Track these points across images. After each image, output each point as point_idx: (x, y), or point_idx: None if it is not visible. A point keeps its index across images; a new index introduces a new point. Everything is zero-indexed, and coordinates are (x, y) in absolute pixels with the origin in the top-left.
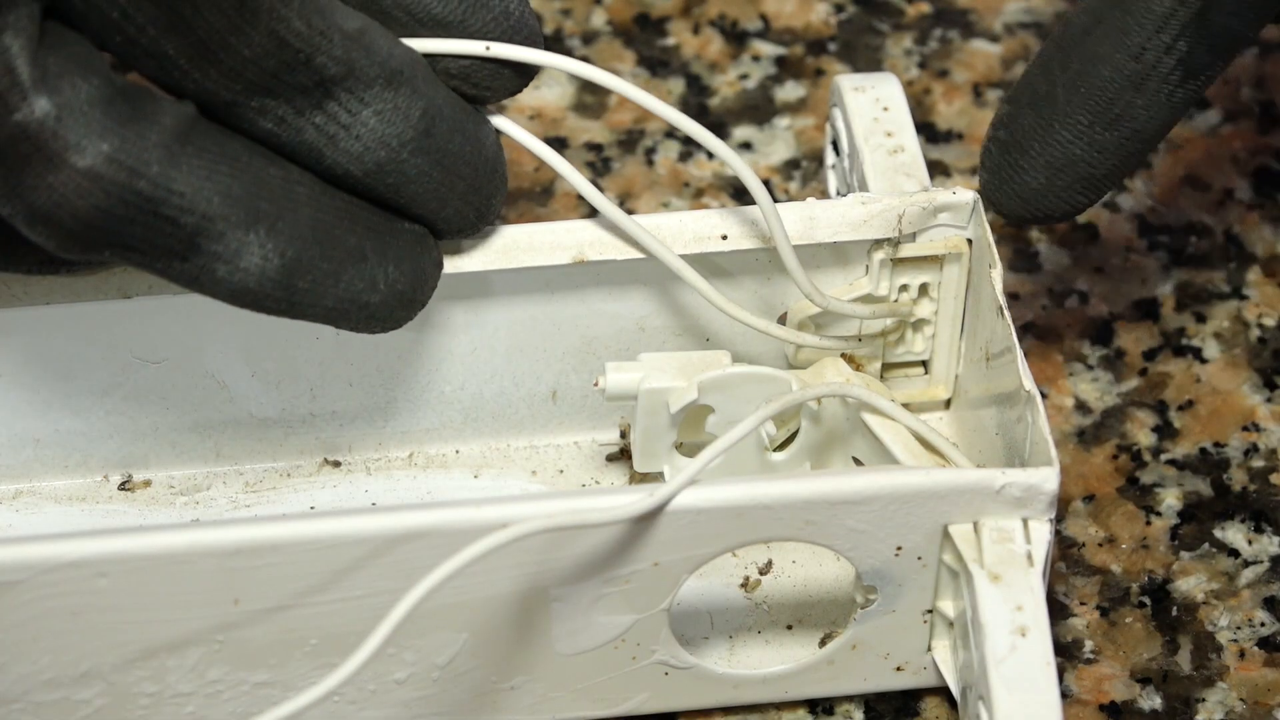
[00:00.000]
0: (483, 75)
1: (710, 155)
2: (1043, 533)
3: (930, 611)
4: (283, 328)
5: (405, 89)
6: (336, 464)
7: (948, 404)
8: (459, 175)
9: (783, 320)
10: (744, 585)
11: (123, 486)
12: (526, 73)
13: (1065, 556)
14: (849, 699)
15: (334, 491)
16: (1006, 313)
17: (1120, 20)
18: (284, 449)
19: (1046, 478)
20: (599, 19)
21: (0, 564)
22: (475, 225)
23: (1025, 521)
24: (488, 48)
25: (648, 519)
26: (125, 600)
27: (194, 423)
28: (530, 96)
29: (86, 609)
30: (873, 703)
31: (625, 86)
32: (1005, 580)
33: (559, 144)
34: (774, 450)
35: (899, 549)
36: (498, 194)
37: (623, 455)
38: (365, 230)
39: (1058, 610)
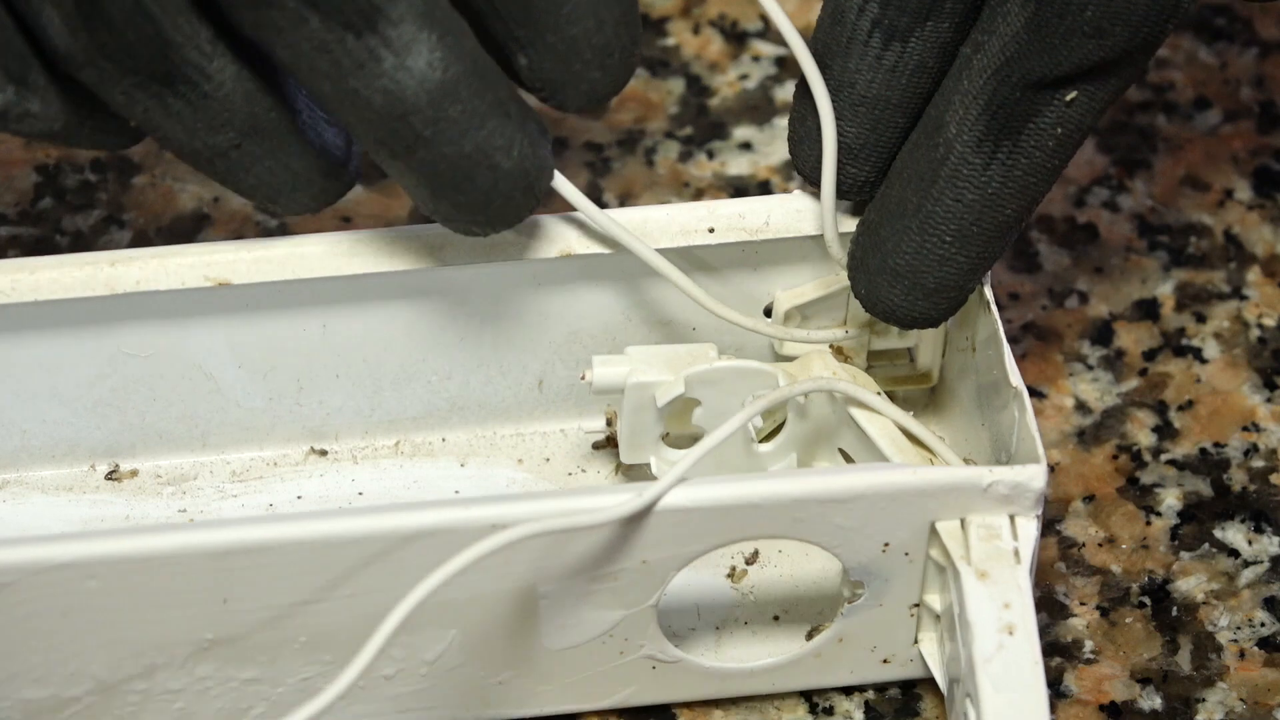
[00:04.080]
0: None
1: (710, 155)
2: (1030, 529)
3: (917, 605)
4: (270, 321)
5: None
6: (323, 453)
7: (933, 391)
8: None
9: (769, 311)
10: (730, 575)
11: (110, 476)
12: None
13: (1065, 556)
14: (849, 698)
15: (321, 480)
16: (993, 305)
17: None
18: (270, 438)
19: (1034, 475)
20: None
21: None
22: (608, 90)
23: (1012, 518)
24: None
25: (636, 519)
26: (115, 601)
27: (181, 413)
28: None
29: (76, 610)
30: (873, 703)
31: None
32: (992, 577)
33: (559, 144)
34: (761, 440)
35: (886, 545)
36: (638, 42)
37: (608, 443)
38: (510, 91)
39: (1058, 610)
